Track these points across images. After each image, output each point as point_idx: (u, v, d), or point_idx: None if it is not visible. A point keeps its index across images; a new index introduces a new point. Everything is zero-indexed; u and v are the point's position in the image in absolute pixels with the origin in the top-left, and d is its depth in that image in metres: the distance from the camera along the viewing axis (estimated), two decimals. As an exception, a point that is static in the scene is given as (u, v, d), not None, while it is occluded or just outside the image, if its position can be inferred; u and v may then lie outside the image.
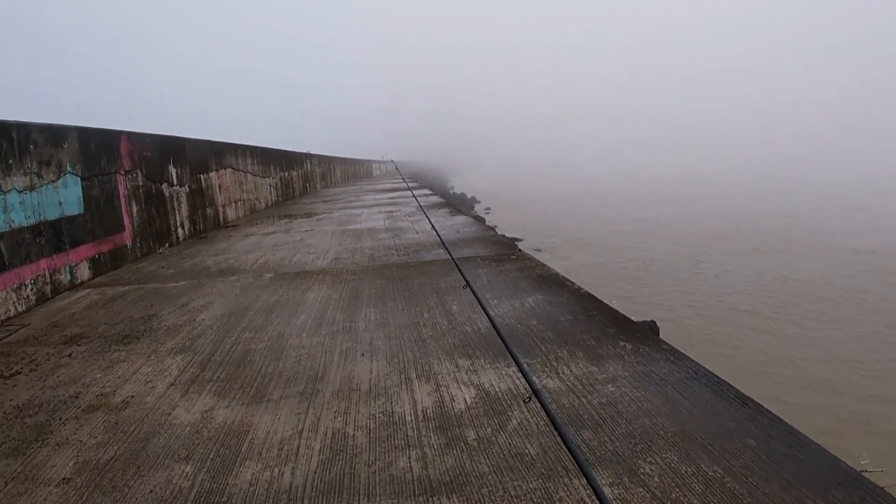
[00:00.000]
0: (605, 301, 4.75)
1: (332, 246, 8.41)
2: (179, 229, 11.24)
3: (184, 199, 11.53)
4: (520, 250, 7.12)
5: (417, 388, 3.27)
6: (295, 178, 23.11)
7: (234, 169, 14.79)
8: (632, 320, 4.25)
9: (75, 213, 7.68)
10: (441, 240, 8.05)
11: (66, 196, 7.50)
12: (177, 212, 11.19)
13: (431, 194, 18.69)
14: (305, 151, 27.46)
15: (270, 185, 18.71)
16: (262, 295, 5.73)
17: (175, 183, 11.20)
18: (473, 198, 50.66)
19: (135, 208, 9.51)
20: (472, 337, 4.03)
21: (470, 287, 5.11)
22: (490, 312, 4.45)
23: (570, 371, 3.33)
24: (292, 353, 3.96)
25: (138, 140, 9.93)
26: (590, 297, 4.82)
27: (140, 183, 9.78)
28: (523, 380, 3.24)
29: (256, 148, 17.41)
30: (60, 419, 3.15)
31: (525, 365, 3.41)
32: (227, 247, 9.51)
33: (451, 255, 6.47)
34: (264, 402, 3.23)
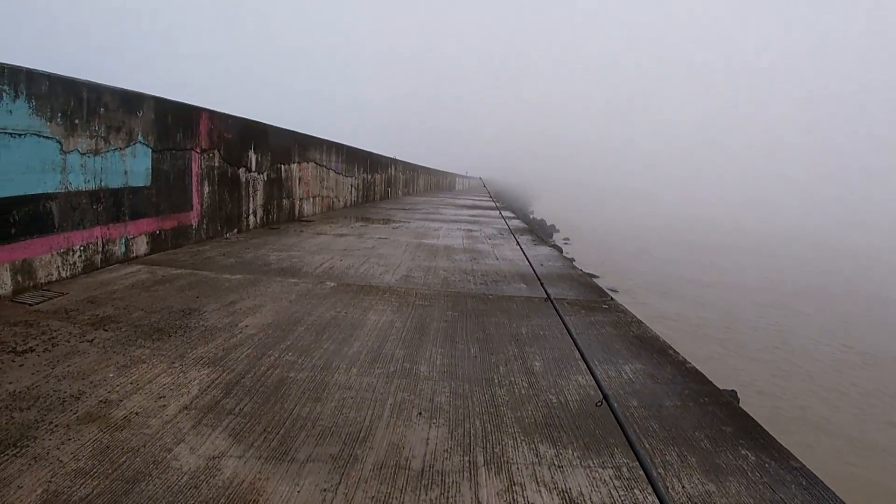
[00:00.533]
0: (713, 382, 3.80)
1: (404, 260, 7.66)
2: (251, 217, 10.78)
3: (260, 187, 11.07)
4: (611, 298, 6.17)
5: (484, 480, 2.41)
6: (378, 181, 22.68)
7: (316, 164, 14.35)
8: (750, 416, 3.27)
9: (141, 184, 7.29)
10: (523, 272, 7.18)
11: (133, 165, 7.07)
12: (251, 199, 10.74)
13: (513, 217, 17.82)
14: (392, 156, 27.10)
15: (352, 185, 18.27)
16: (319, 307, 5.00)
17: (253, 169, 10.75)
18: (553, 225, 49.55)
19: (206, 189, 9.08)
20: (559, 412, 3.14)
21: (573, 340, 4.19)
22: (581, 379, 3.57)
23: (684, 487, 2.43)
24: (335, 393, 3.18)
25: (220, 119, 9.50)
26: (699, 377, 3.84)
27: (216, 164, 9.35)
28: (623, 490, 2.37)
29: (343, 146, 16.98)
30: (50, 423, 2.62)
31: (626, 468, 2.53)
32: (296, 243, 8.93)
33: (546, 292, 5.53)
34: (286, 462, 2.45)
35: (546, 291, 5.48)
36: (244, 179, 10.42)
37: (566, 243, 37.91)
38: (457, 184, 60.05)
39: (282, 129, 12.33)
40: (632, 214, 73.57)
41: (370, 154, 21.16)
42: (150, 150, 7.50)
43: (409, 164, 32.09)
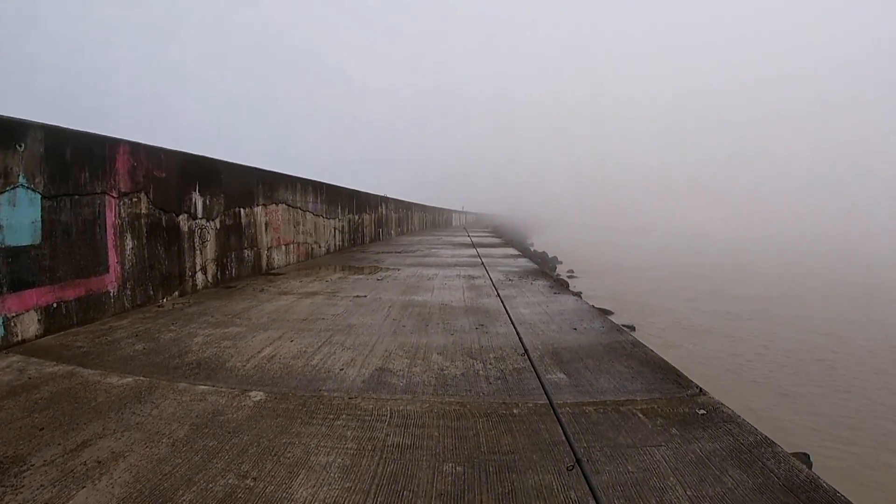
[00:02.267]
0: None
1: (382, 336, 5.46)
2: (199, 274, 8.65)
3: (211, 237, 8.97)
4: (700, 390, 3.95)
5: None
6: (366, 221, 20.57)
7: (289, 206, 12.23)
8: None
9: (26, 242, 5.43)
10: (556, 346, 5.00)
11: (11, 218, 5.15)
12: (198, 252, 8.64)
13: (519, 256, 15.63)
14: (382, 194, 25.07)
15: (335, 228, 16.12)
16: (214, 461, 2.80)
17: (199, 215, 8.66)
18: (555, 258, 47.25)
19: (129, 243, 7.05)
20: None
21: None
22: None
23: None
24: None
25: (147, 154, 7.46)
26: None
27: (143, 210, 7.34)
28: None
29: (322, 184, 14.87)
30: None
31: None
32: (244, 310, 6.81)
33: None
34: None
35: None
36: (186, 229, 8.34)
37: (571, 276, 35.61)
38: (453, 220, 58.18)
39: (239, 165, 10.26)
40: (634, 244, 71.36)
41: (356, 193, 19.06)
42: (38, 197, 5.51)
43: (401, 201, 30.06)
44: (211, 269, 9.05)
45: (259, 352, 4.85)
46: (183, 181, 8.30)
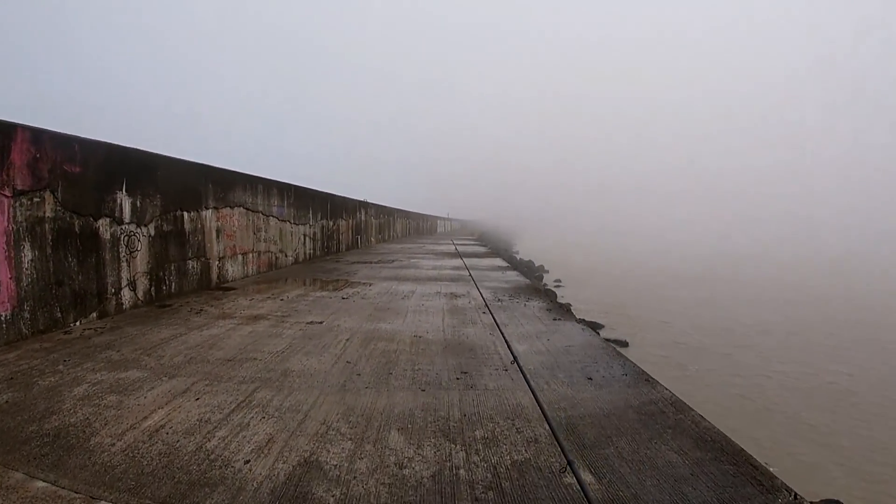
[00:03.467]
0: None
1: (326, 392, 4.02)
2: (126, 291, 7.16)
3: (142, 246, 7.50)
4: (800, 499, 2.48)
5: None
6: (342, 228, 19.06)
7: (248, 209, 10.72)
8: None
9: None
10: (570, 420, 3.56)
11: None
12: (124, 264, 7.15)
13: (508, 268, 14.17)
14: (361, 199, 23.57)
15: (306, 235, 14.60)
16: None
17: (128, 220, 7.18)
18: (542, 266, 45.91)
19: (28, 254, 5.60)
20: None
21: None
22: None
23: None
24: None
25: (54, 143, 6.01)
26: None
27: (48, 213, 5.83)
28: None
29: (289, 186, 13.36)
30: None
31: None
32: (161, 343, 5.40)
33: None
34: None
35: None
36: (108, 236, 6.86)
37: (558, 286, 34.17)
38: (438, 227, 56.80)
39: (183, 161, 8.78)
40: (620, 248, 70.25)
41: (330, 196, 17.55)
42: None
43: (383, 207, 28.57)
44: (142, 284, 7.54)
45: (145, 418, 3.36)
46: (105, 178, 6.81)
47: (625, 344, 16.85)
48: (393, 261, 15.40)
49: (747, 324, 22.54)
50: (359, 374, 4.31)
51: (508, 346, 5.27)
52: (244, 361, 4.70)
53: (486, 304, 7.74)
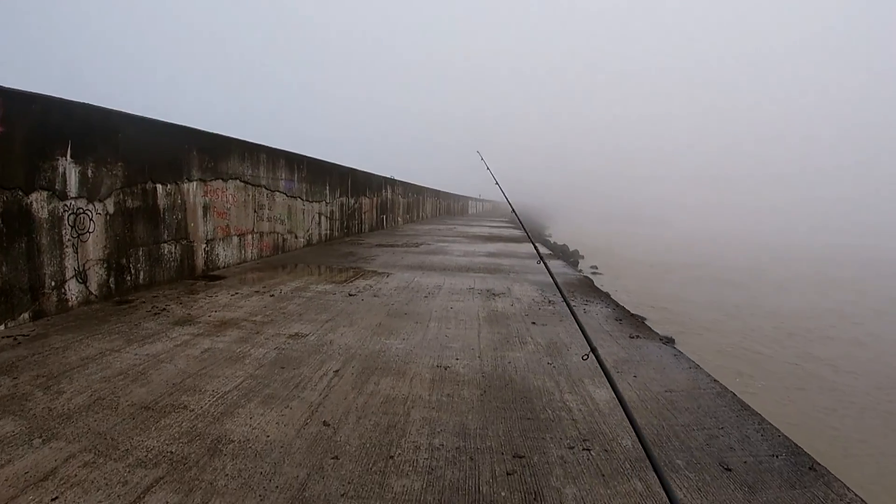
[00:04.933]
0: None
1: (272, 498, 2.15)
2: (74, 284, 5.59)
3: (96, 227, 5.86)
4: None
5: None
6: (366, 206, 17.34)
7: (245, 182, 9.02)
8: None
9: None
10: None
11: None
12: (70, 251, 5.52)
13: (550, 255, 12.31)
14: (388, 176, 21.83)
15: (321, 214, 12.89)
16: None
17: (74, 193, 5.51)
18: (577, 251, 43.96)
19: None
20: None
21: None
22: None
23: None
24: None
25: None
26: None
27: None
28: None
29: (301, 157, 11.63)
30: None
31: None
32: (75, 366, 3.84)
33: None
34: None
35: None
36: (46, 214, 5.24)
37: (595, 272, 32.17)
38: (469, 207, 54.95)
39: (155, 121, 7.12)
40: (655, 236, 67.53)
41: (352, 171, 15.79)
42: None
43: (411, 185, 26.79)
44: (97, 274, 5.89)
45: None
46: (41, 140, 5.15)
47: (670, 340, 14.84)
48: (419, 244, 13.62)
49: (801, 327, 20.36)
50: (336, 458, 2.53)
51: (584, 395, 3.47)
52: (167, 412, 2.99)
53: (534, 308, 5.93)
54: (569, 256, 36.55)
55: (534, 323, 5.23)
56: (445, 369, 3.79)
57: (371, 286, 7.09)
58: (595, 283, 8.86)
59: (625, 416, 3.03)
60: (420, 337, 4.62)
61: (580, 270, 20.49)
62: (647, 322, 6.73)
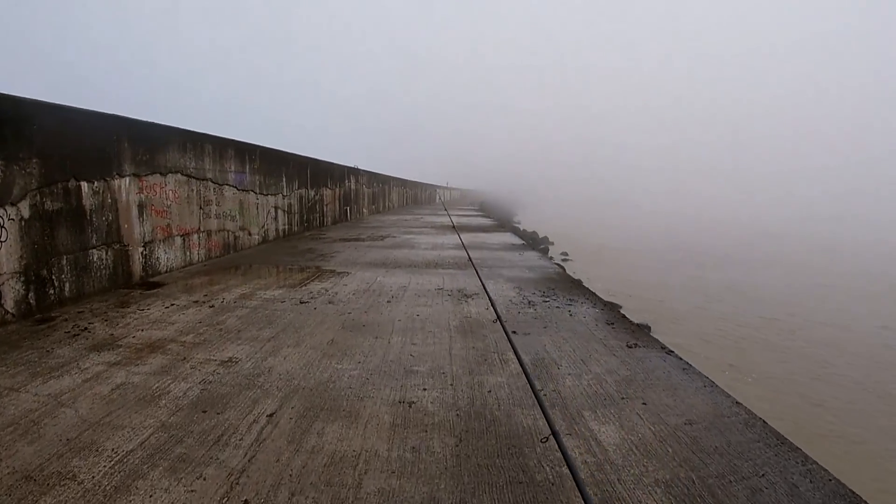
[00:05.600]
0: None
1: None
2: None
3: (8, 235, 5.13)
4: None
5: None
6: (327, 198, 16.49)
7: (188, 176, 8.16)
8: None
9: None
10: None
11: None
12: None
13: (524, 246, 11.62)
14: (352, 165, 20.96)
15: (277, 208, 12.03)
16: None
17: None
18: (546, 238, 43.57)
19: None
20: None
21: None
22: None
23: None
24: None
25: None
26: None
27: None
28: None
29: (253, 147, 10.77)
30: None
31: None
32: None
33: None
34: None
35: None
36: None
37: (566, 259, 31.72)
38: (437, 196, 54.16)
39: (77, 110, 6.24)
40: (623, 221, 67.31)
41: (311, 161, 14.91)
42: None
43: (377, 174, 25.92)
44: (13, 289, 5.06)
45: None
46: None
47: (647, 327, 14.28)
48: (384, 237, 12.86)
49: (778, 309, 20.02)
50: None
51: (588, 439, 2.77)
52: (51, 485, 2.32)
53: (513, 313, 5.24)
54: (538, 243, 36.06)
55: (514, 332, 4.53)
56: (410, 406, 3.07)
57: (327, 290, 6.33)
58: (574, 276, 8.21)
59: (645, 469, 2.35)
60: (380, 358, 3.88)
61: (551, 258, 19.89)
62: (623, 310, 6.07)
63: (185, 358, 3.90)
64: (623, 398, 3.22)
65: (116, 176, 6.63)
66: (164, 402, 3.16)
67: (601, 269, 27.93)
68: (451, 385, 3.37)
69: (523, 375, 3.51)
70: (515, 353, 3.96)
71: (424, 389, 3.29)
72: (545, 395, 3.24)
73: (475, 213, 28.38)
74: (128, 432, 2.78)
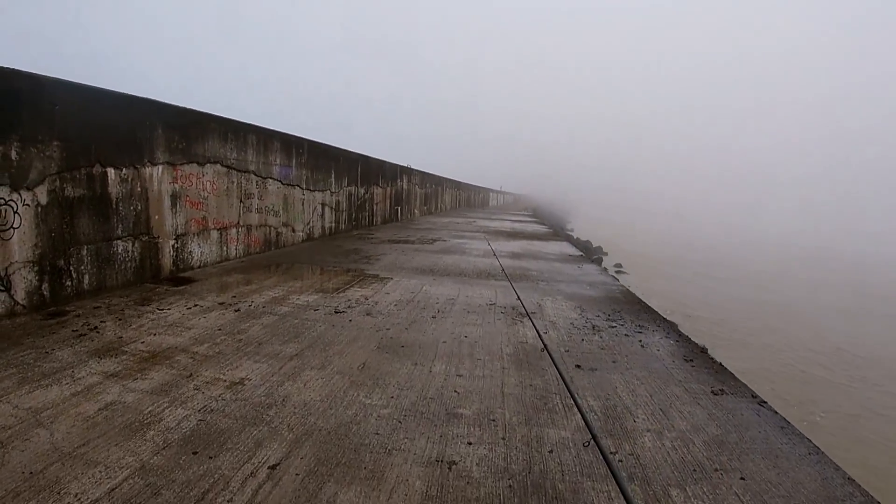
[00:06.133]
0: None
1: None
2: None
3: (22, 221, 4.79)
4: None
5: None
6: (378, 197, 15.98)
7: (228, 167, 7.70)
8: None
9: None
10: None
11: None
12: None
13: (582, 258, 10.83)
14: (405, 164, 20.47)
15: (325, 205, 11.54)
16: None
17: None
18: (599, 247, 42.43)
19: None
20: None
21: None
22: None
23: None
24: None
25: None
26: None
27: None
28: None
29: (301, 140, 10.29)
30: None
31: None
32: None
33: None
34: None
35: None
36: None
37: (620, 271, 30.53)
38: (490, 200, 53.48)
39: (103, 91, 5.80)
40: (673, 231, 65.38)
41: (362, 158, 14.41)
42: None
43: (430, 175, 25.38)
44: (25, 279, 4.63)
45: None
46: None
47: (705, 351, 13.20)
48: (434, 241, 12.23)
49: (848, 339, 18.63)
50: None
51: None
52: None
53: (576, 340, 4.53)
54: (592, 253, 35.00)
55: (578, 366, 3.82)
56: (450, 468, 2.39)
57: (367, 298, 5.72)
58: (638, 295, 7.42)
59: None
60: (417, 393, 3.22)
61: (605, 269, 18.99)
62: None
63: (191, 374, 3.33)
64: (717, 469, 2.49)
65: (148, 163, 6.17)
66: (152, 433, 2.58)
67: (656, 283, 26.77)
68: (504, 439, 2.68)
69: (591, 429, 2.81)
70: (580, 395, 3.26)
71: (469, 443, 2.61)
72: (621, 460, 2.53)
73: (529, 219, 27.58)
74: (100, 472, 2.22)
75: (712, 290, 26.90)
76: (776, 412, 3.29)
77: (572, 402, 3.19)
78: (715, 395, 3.45)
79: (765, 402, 3.44)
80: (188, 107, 7.00)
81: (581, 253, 11.89)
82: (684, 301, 22.48)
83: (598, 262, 28.99)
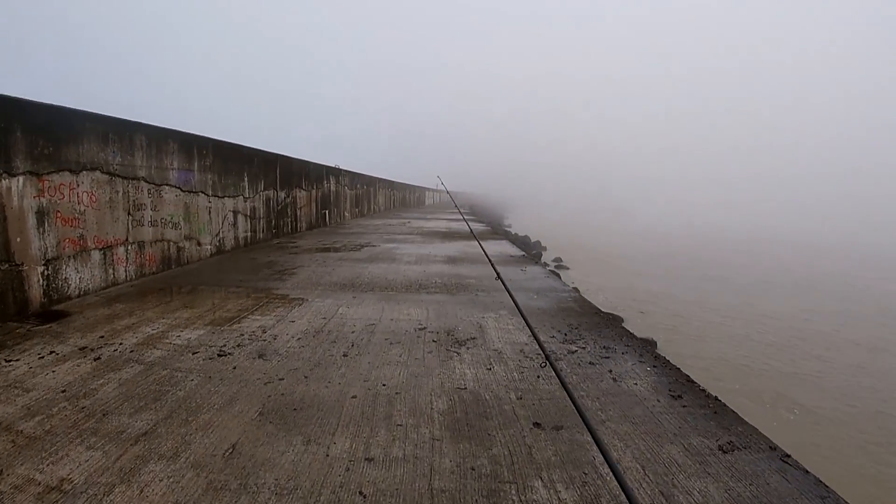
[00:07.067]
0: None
1: None
2: None
3: None
4: None
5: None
6: (301, 200, 14.74)
7: (111, 174, 6.44)
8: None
9: None
10: None
11: None
12: None
13: (525, 258, 9.94)
14: (332, 165, 19.27)
15: (237, 212, 10.29)
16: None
17: None
18: (538, 242, 41.97)
19: None
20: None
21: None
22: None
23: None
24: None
25: None
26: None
27: None
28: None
29: (205, 141, 9.04)
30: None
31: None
32: None
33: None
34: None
35: None
36: None
37: (560, 266, 30.02)
38: (426, 199, 52.54)
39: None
40: (616, 227, 65.66)
41: (282, 159, 13.16)
42: None
43: (360, 175, 24.18)
44: None
45: None
46: None
47: (653, 343, 12.61)
48: (362, 246, 11.15)
49: (792, 321, 18.44)
50: None
51: None
52: None
53: (529, 379, 3.56)
54: (531, 249, 34.38)
55: (537, 424, 2.84)
56: None
57: (265, 330, 4.61)
58: (588, 297, 6.53)
59: None
60: (302, 501, 2.17)
61: (552, 272, 18.23)
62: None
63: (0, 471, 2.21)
64: None
65: (4, 175, 4.91)
66: None
67: (598, 277, 26.29)
68: None
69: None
70: (547, 478, 2.29)
71: None
72: None
73: (467, 217, 26.71)
74: None
75: (660, 283, 26.53)
76: (807, 471, 2.41)
77: (536, 496, 2.20)
78: (724, 452, 2.55)
79: (788, 457, 2.55)
80: (57, 104, 5.73)
81: (523, 253, 11.01)
82: (629, 295, 21.96)
83: (538, 257, 28.38)
